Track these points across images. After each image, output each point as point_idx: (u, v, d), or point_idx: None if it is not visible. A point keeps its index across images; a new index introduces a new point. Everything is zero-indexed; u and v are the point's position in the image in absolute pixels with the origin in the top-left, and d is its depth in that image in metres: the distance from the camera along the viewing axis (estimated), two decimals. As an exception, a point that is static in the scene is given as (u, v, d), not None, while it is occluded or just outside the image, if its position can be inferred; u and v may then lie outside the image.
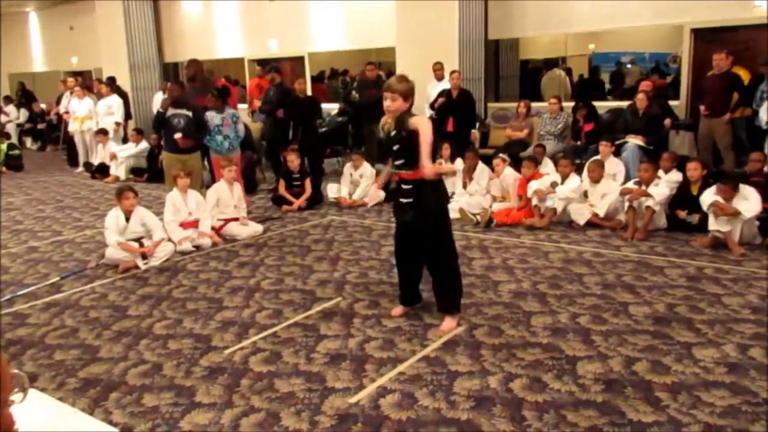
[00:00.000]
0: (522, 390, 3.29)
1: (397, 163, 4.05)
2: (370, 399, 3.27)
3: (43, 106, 16.75)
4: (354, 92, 11.37)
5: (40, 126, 16.61)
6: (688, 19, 8.78)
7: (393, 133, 3.98)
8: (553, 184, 6.88)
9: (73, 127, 12.40)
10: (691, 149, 8.33)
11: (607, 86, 13.30)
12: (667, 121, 8.42)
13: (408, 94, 3.94)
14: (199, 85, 8.70)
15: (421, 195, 3.99)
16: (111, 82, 13.10)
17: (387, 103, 3.93)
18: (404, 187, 4.06)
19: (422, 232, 4.09)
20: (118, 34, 14.77)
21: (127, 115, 12.86)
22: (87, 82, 14.55)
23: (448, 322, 4.13)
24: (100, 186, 10.56)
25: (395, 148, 4.01)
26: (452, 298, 4.21)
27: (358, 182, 8.30)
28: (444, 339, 3.95)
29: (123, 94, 12.93)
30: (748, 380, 3.31)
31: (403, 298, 4.46)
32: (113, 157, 11.17)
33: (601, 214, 6.64)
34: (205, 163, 8.48)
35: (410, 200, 4.03)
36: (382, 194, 8.30)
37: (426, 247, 4.13)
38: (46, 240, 6.93)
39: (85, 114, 12.10)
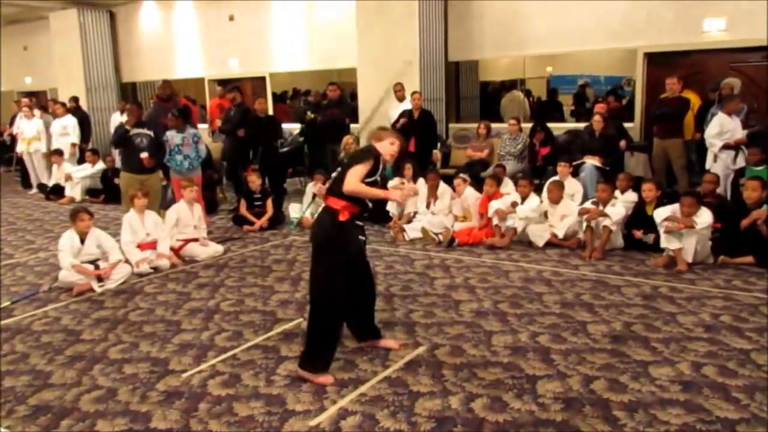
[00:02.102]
0: (483, 410, 3.30)
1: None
2: (331, 422, 3.23)
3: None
4: (309, 113, 11.37)
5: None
6: (641, 43, 9.05)
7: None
8: (514, 204, 6.96)
9: (20, 148, 12.14)
10: (645, 170, 8.54)
11: (571, 108, 13.56)
12: (623, 143, 8.64)
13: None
14: (171, 106, 8.62)
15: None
16: (74, 101, 12.91)
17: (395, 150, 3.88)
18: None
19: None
20: (74, 53, 14.58)
21: (87, 137, 12.64)
22: (42, 102, 14.29)
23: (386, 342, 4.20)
24: (55, 207, 10.32)
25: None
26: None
27: (320, 202, 8.26)
28: (406, 359, 3.94)
29: (84, 116, 12.73)
30: (701, 398, 3.37)
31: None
32: (68, 178, 10.94)
33: (560, 235, 6.74)
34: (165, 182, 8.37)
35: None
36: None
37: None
38: (-3, 262, 6.73)
39: (32, 135, 11.84)
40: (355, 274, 3.88)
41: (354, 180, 3.58)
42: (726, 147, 7.55)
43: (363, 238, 3.82)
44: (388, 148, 3.84)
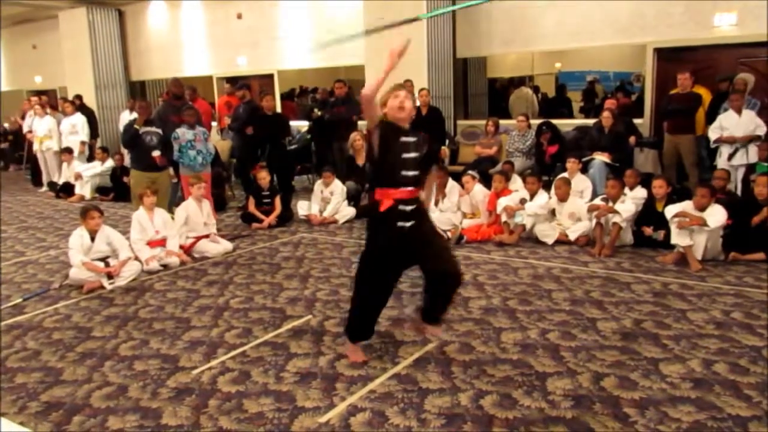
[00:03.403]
0: (492, 407, 3.29)
1: (411, 174, 3.55)
2: (341, 418, 3.24)
3: (6, 125, 16.45)
4: (316, 110, 11.39)
5: (2, 145, 16.29)
6: (651, 39, 9.00)
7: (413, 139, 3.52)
8: (522, 201, 6.95)
9: (35, 146, 12.23)
10: (655, 166, 8.50)
11: (580, 104, 13.51)
12: (632, 139, 8.60)
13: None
14: (182, 104, 8.64)
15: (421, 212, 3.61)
16: (78, 99, 12.97)
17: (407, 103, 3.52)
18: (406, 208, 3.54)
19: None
20: (83, 52, 14.64)
21: (94, 134, 12.71)
22: (52, 101, 14.36)
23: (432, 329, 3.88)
24: (65, 205, 10.37)
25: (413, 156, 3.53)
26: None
27: (329, 199, 8.28)
28: (415, 356, 3.94)
29: (88, 112, 12.78)
30: (713, 395, 3.35)
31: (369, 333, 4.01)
32: (78, 176, 11.00)
33: (573, 238, 6.70)
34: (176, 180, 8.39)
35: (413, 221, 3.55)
36: (353, 211, 8.32)
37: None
38: (8, 261, 6.77)
39: (44, 133, 11.92)
40: (399, 261, 3.65)
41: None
42: (718, 141, 7.56)
43: (404, 224, 3.48)
44: (393, 103, 3.50)
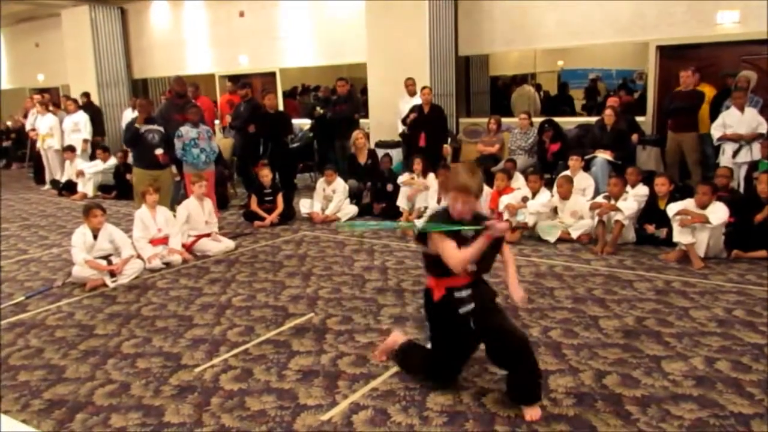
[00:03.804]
0: (494, 404, 3.29)
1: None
2: (343, 416, 3.24)
3: (9, 123, 16.48)
4: (318, 108, 11.39)
5: (5, 143, 16.32)
6: (653, 36, 8.98)
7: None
8: (524, 199, 6.94)
9: (38, 144, 12.25)
10: (657, 164, 8.49)
11: (582, 101, 13.48)
12: (634, 137, 8.59)
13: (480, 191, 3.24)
14: (184, 102, 8.66)
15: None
16: (86, 97, 13.00)
17: (459, 207, 3.18)
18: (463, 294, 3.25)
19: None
20: (86, 50, 14.66)
21: (101, 131, 12.76)
22: (55, 99, 14.37)
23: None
24: (67, 203, 10.39)
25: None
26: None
27: (331, 197, 8.28)
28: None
29: (97, 110, 12.83)
30: (715, 393, 3.35)
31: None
32: (80, 174, 11.02)
33: (575, 236, 6.70)
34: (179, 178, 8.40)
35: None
36: (355, 209, 8.31)
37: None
38: (11, 259, 6.78)
39: (46, 131, 11.94)
40: (466, 340, 3.37)
41: (452, 254, 3.08)
42: (721, 139, 7.54)
43: (468, 307, 3.22)
44: (452, 203, 3.21)
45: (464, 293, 3.23)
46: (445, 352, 3.47)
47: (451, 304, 3.24)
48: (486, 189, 7.40)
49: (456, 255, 3.09)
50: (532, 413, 3.17)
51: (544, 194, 6.96)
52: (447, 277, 3.21)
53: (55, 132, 11.90)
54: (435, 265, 3.25)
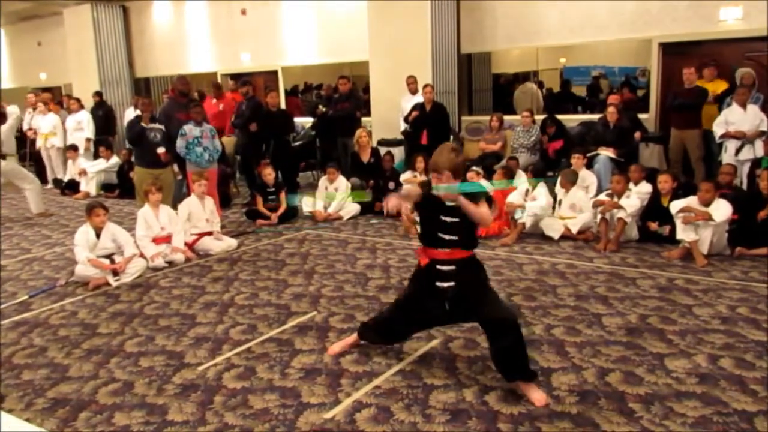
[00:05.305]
0: (497, 402, 3.30)
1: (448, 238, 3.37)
2: (346, 414, 3.24)
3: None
4: (320, 106, 11.38)
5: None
6: (656, 33, 8.96)
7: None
8: (527, 192, 6.95)
9: (39, 144, 12.25)
10: (660, 162, 8.48)
11: (585, 98, 13.44)
12: (637, 134, 8.57)
13: (459, 169, 3.31)
14: (186, 101, 8.65)
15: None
16: (98, 96, 13.02)
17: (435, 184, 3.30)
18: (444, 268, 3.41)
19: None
20: (88, 49, 14.68)
21: (113, 130, 12.79)
22: (57, 98, 14.37)
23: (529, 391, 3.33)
24: (70, 202, 10.41)
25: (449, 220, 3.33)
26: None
27: (332, 195, 8.28)
28: (420, 352, 3.94)
29: (108, 109, 12.86)
30: (718, 390, 3.35)
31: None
32: (83, 173, 11.03)
33: (574, 230, 6.69)
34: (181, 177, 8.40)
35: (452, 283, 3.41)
36: (357, 207, 8.31)
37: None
38: (14, 258, 6.80)
39: (49, 130, 11.94)
40: (432, 309, 3.52)
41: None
42: (724, 136, 7.52)
43: (447, 284, 3.39)
44: (434, 182, 3.34)
45: (446, 267, 3.40)
46: (403, 313, 3.69)
47: (431, 272, 3.43)
48: (489, 186, 7.40)
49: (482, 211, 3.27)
50: (537, 397, 3.26)
51: (542, 197, 6.90)
52: (432, 248, 3.41)
53: (58, 131, 11.91)
54: (425, 234, 3.47)
